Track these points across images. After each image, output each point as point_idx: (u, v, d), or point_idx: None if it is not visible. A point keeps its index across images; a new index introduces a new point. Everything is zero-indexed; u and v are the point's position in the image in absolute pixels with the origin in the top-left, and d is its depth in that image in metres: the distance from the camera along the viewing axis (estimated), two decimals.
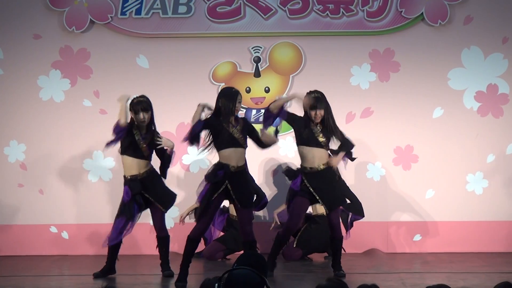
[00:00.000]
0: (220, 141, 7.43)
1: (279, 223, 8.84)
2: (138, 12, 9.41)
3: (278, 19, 9.44)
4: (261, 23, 9.44)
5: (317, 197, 7.72)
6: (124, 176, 7.97)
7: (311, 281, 7.45)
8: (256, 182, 8.98)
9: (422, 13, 9.32)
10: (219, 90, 8.07)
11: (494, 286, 3.95)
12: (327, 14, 9.39)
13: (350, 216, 8.71)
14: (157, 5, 9.39)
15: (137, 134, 7.91)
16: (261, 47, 9.48)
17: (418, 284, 7.11)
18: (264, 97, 9.47)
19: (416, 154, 9.44)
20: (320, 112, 7.84)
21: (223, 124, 7.38)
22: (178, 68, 9.46)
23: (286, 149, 9.54)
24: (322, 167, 7.76)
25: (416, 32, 9.44)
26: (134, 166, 7.95)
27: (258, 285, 3.69)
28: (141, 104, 7.91)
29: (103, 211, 9.44)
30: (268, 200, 9.04)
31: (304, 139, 7.83)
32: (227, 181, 7.35)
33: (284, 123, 8.87)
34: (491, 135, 9.44)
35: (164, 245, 7.92)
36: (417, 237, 9.42)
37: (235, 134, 7.33)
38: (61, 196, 9.46)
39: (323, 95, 7.99)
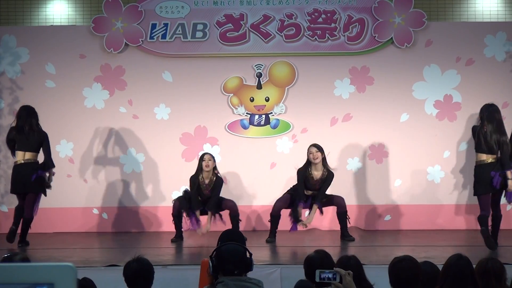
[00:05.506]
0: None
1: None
2: (164, 36, 9.73)
3: (276, 42, 9.75)
4: (262, 45, 9.77)
5: None
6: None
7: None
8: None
9: (391, 38, 9.70)
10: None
11: (449, 256, 4.13)
12: (316, 38, 9.73)
13: None
14: (179, 31, 9.70)
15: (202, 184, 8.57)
16: (262, 65, 9.79)
17: (388, 255, 6.98)
18: (265, 105, 9.75)
19: (386, 151, 9.77)
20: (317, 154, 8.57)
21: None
22: (196, 81, 9.68)
23: (282, 147, 9.81)
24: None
25: (387, 52, 9.76)
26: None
27: (243, 254, 3.97)
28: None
29: (137, 196, 9.78)
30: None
31: None
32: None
33: (281, 123, 9.52)
34: (447, 136, 9.73)
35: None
36: (388, 217, 9.73)
37: None
38: (101, 185, 9.72)
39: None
